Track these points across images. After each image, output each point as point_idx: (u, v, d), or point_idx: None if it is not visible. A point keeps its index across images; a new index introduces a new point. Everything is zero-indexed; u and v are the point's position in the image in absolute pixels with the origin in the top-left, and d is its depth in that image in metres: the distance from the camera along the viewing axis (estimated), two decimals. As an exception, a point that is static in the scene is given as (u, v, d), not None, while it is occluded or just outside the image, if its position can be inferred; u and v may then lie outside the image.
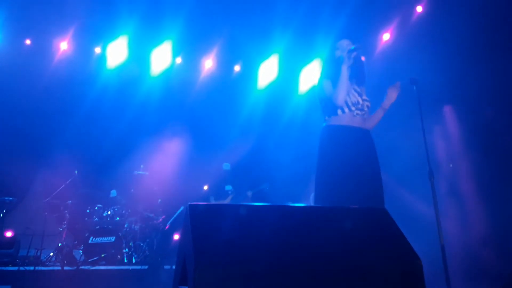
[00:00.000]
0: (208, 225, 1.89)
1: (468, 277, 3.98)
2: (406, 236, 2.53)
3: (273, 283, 1.78)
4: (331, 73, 3.21)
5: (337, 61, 3.18)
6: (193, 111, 6.71)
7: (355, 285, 1.91)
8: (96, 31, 6.28)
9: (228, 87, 7.01)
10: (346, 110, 3.11)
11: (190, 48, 6.67)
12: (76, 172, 5.43)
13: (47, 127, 6.11)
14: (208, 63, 6.93)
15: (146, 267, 4.90)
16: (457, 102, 5.31)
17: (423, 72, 4.96)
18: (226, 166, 5.93)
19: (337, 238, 2.07)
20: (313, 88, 3.45)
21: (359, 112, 3.14)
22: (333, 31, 5.55)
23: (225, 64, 7.02)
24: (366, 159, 3.09)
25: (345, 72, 3.09)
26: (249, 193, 5.75)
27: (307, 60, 6.85)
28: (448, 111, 5.34)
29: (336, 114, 3.14)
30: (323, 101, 3.21)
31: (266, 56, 6.89)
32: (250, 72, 7.10)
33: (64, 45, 6.28)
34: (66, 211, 5.23)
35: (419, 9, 6.00)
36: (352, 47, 3.16)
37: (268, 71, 6.99)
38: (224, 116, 6.81)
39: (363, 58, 3.57)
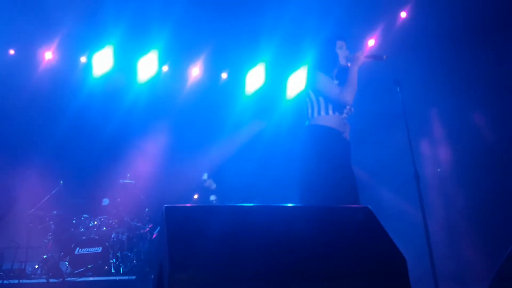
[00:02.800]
0: (184, 228, 1.85)
1: (455, 276, 3.98)
2: (391, 235, 2.52)
3: (253, 284, 1.75)
4: (327, 69, 3.20)
5: (338, 63, 3.19)
6: (180, 119, 6.69)
7: (340, 285, 1.88)
8: (82, 40, 6.25)
9: (215, 95, 7.01)
10: (337, 113, 3.12)
11: (176, 56, 6.67)
12: (61, 182, 5.36)
13: (32, 137, 6.05)
14: (195, 71, 6.93)
15: (134, 277, 4.83)
16: (441, 104, 5.34)
17: (408, 76, 5.01)
18: (204, 175, 5.91)
19: (320, 237, 2.05)
20: (307, 80, 3.36)
21: (345, 115, 3.16)
22: (319, 39, 5.58)
23: (212, 71, 7.02)
24: (349, 163, 3.12)
25: (356, 73, 3.11)
26: (212, 197, 5.75)
27: (293, 68, 6.89)
28: (433, 114, 5.38)
29: (327, 113, 3.12)
30: (321, 94, 3.15)
31: (253, 64, 6.91)
32: (237, 80, 7.10)
33: (49, 55, 6.24)
34: (51, 222, 5.15)
35: (403, 14, 6.08)
36: (373, 54, 3.17)
37: (255, 78, 7.01)
38: (212, 123, 6.79)
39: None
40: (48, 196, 5.27)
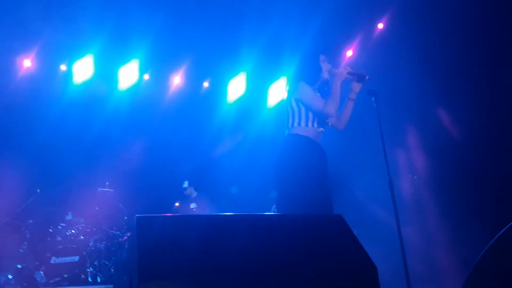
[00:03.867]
0: (155, 238, 1.87)
1: (428, 280, 4.08)
2: (366, 241, 2.57)
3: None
4: (310, 81, 3.28)
5: (321, 77, 3.27)
6: (161, 127, 6.68)
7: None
8: (62, 49, 6.21)
9: (197, 103, 7.03)
10: (316, 124, 3.21)
11: (158, 65, 6.68)
12: (38, 190, 5.29)
13: (9, 145, 5.94)
14: (177, 80, 6.95)
15: (111, 286, 4.78)
16: (416, 115, 5.49)
17: (384, 86, 5.14)
18: (185, 184, 5.92)
19: (292, 245, 2.09)
20: (290, 90, 3.43)
21: (322, 129, 3.26)
22: (299, 49, 5.69)
23: (194, 80, 7.05)
24: (325, 173, 3.21)
25: (339, 86, 3.16)
26: (192, 205, 5.75)
27: (274, 77, 6.98)
28: (409, 123, 5.51)
29: (306, 125, 3.21)
30: (304, 105, 3.22)
31: (235, 74, 6.97)
32: (219, 89, 7.15)
33: (27, 63, 6.18)
34: (26, 231, 5.06)
35: (380, 26, 6.24)
36: (355, 72, 3.21)
37: (236, 87, 7.07)
38: (193, 131, 6.80)
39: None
40: (24, 205, 5.19)
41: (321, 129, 3.25)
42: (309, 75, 3.31)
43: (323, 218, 2.49)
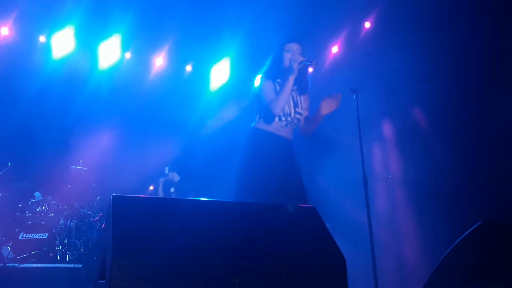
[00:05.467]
0: (130, 218, 1.86)
1: (397, 277, 4.21)
2: (338, 234, 2.62)
3: (193, 279, 1.78)
4: (274, 75, 3.19)
5: (284, 68, 3.13)
6: (142, 108, 6.56)
7: (277, 282, 1.96)
8: (41, 17, 5.95)
9: (179, 86, 6.93)
10: (276, 119, 3.13)
11: (140, 43, 6.52)
12: (9, 164, 5.15)
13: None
14: (159, 61, 6.84)
15: (80, 265, 4.73)
16: (396, 114, 5.58)
17: (367, 84, 5.20)
18: (166, 170, 5.87)
19: (264, 234, 2.11)
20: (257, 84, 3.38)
21: (289, 124, 3.18)
22: (282, 40, 5.66)
23: (176, 63, 6.95)
24: (286, 168, 3.13)
25: (291, 83, 3.03)
26: (172, 189, 5.74)
27: (258, 64, 6.90)
28: (387, 122, 5.61)
29: (266, 119, 3.16)
30: (260, 102, 3.21)
31: (218, 58, 6.89)
32: (202, 73, 7.06)
33: (5, 31, 5.95)
34: (-5, 205, 4.94)
35: (367, 24, 6.27)
36: (304, 60, 3.09)
37: (220, 73, 7.00)
38: (174, 114, 6.70)
39: (310, 70, 3.61)
40: (-7, 178, 5.06)
41: (287, 123, 3.17)
42: (270, 68, 3.23)
43: (296, 209, 2.52)
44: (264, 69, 3.29)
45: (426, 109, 5.36)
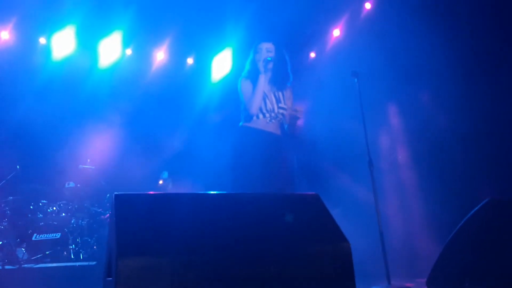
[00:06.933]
0: (133, 215, 1.88)
1: (407, 263, 4.20)
2: (344, 220, 2.61)
3: (198, 274, 1.79)
4: (250, 76, 3.36)
5: (256, 68, 3.31)
6: (145, 104, 6.58)
7: (286, 269, 1.96)
8: (41, 18, 5.97)
9: (181, 80, 6.93)
10: (261, 116, 3.29)
11: (141, 39, 6.52)
12: (18, 167, 5.20)
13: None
14: (160, 55, 6.82)
15: (94, 263, 4.78)
16: (401, 97, 5.51)
17: (371, 67, 5.14)
18: (164, 174, 5.91)
19: (269, 223, 2.12)
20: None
21: (273, 119, 3.33)
22: (283, 25, 5.62)
23: (177, 56, 6.93)
24: (275, 163, 3.27)
25: (262, 82, 3.24)
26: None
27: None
28: (392, 106, 5.55)
29: (257, 117, 3.32)
30: (242, 102, 3.38)
31: (219, 49, 6.85)
32: (203, 65, 7.04)
33: (5, 35, 5.97)
34: (7, 208, 5.00)
35: (368, 6, 6.18)
36: (268, 57, 3.28)
37: (221, 64, 6.97)
38: (177, 109, 6.71)
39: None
40: (3, 182, 5.12)
41: (271, 118, 3.32)
42: (247, 69, 3.41)
43: (299, 196, 2.53)
44: (244, 69, 3.47)
45: (431, 89, 5.29)
